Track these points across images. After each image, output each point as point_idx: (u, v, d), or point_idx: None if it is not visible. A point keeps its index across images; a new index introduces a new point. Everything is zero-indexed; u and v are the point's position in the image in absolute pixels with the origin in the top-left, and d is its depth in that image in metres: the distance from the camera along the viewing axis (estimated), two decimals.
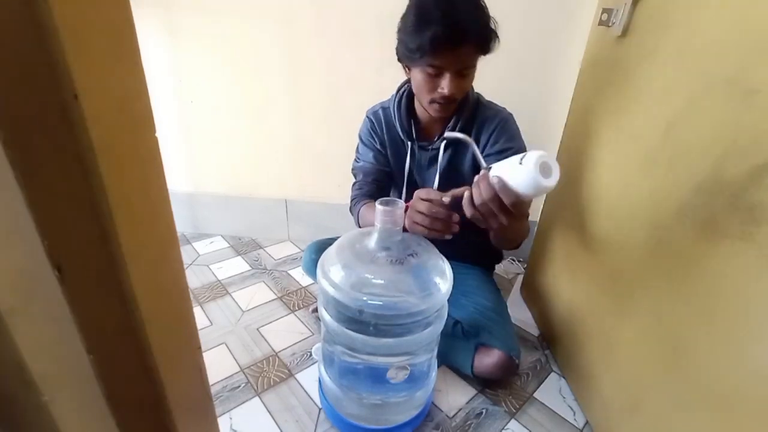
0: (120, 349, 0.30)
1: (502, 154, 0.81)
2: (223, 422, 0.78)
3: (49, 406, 0.26)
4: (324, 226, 1.50)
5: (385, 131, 0.94)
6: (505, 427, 0.79)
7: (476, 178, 0.57)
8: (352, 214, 0.94)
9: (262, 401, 0.83)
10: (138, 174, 0.28)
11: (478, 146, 0.82)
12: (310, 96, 1.30)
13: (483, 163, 0.59)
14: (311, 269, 1.01)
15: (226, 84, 1.32)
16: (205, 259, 1.39)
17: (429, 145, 0.89)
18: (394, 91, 0.92)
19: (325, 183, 1.44)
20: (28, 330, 0.24)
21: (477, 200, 0.56)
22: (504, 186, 0.52)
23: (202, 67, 1.30)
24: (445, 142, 0.86)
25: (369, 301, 0.60)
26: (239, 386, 0.86)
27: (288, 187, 1.47)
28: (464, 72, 0.74)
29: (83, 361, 0.29)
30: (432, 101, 0.78)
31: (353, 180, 0.98)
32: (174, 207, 0.32)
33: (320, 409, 0.81)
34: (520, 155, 0.51)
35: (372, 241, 0.66)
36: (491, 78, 1.20)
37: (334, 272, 0.64)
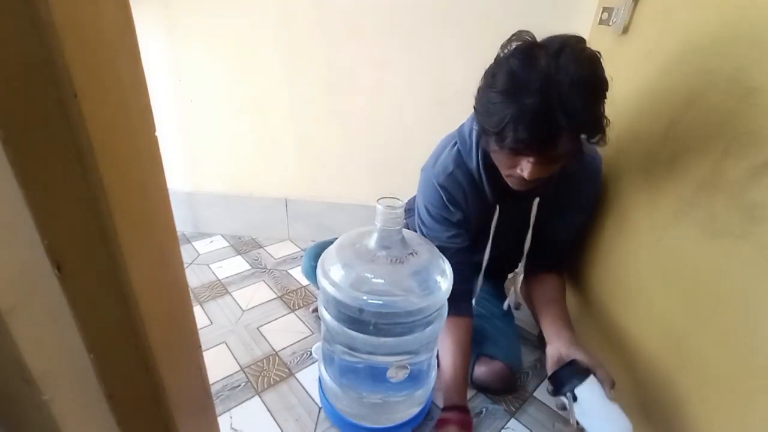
0: (120, 348, 0.30)
1: (581, 214, 0.77)
2: (223, 421, 0.78)
3: (49, 404, 0.26)
4: (324, 225, 1.50)
5: (468, 198, 0.74)
6: (505, 426, 0.79)
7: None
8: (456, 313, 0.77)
9: (262, 400, 0.83)
10: (137, 173, 0.28)
11: (573, 195, 0.74)
12: (310, 94, 1.30)
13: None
14: (311, 275, 1.01)
15: (226, 83, 1.32)
16: (205, 259, 1.39)
17: (518, 203, 0.74)
18: (467, 136, 0.72)
19: (325, 182, 1.44)
20: (28, 328, 0.24)
21: None
22: None
23: (201, 66, 1.30)
24: (539, 199, 0.73)
25: (369, 300, 0.60)
26: (239, 385, 0.86)
27: (288, 186, 1.47)
28: (552, 158, 0.58)
29: (83, 360, 0.29)
30: (509, 176, 0.64)
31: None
32: (174, 206, 0.32)
33: (320, 408, 0.81)
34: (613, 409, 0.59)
35: (372, 241, 0.66)
36: None
37: (334, 271, 0.64)
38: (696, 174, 0.55)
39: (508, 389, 0.86)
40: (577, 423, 0.60)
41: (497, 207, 0.74)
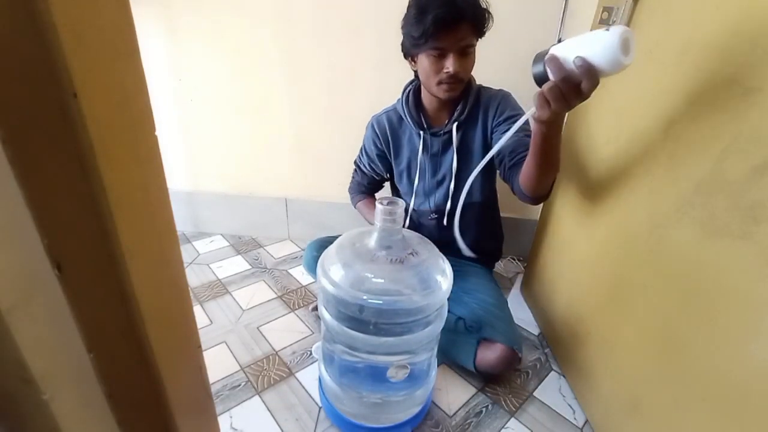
0: (120, 348, 0.30)
1: (509, 121, 0.88)
2: (223, 421, 0.78)
3: (49, 404, 0.26)
4: (324, 224, 1.50)
5: (389, 135, 1.00)
6: (505, 426, 0.80)
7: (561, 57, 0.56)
8: (351, 201, 1.18)
9: (262, 400, 0.83)
10: (137, 172, 0.28)
11: (486, 123, 0.91)
12: (310, 94, 1.30)
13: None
14: (312, 267, 1.02)
15: (225, 82, 1.32)
16: (205, 258, 1.39)
17: (441, 131, 0.94)
18: (400, 94, 0.98)
19: (325, 181, 1.44)
20: (28, 328, 0.24)
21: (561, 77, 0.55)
22: (588, 64, 0.51)
23: (201, 66, 1.30)
24: (456, 124, 0.91)
25: (369, 300, 0.60)
26: (239, 385, 0.86)
27: (288, 185, 1.47)
28: (466, 51, 0.80)
29: (83, 360, 0.29)
30: (440, 83, 0.83)
31: (354, 169, 1.14)
32: (174, 206, 0.32)
33: (320, 408, 0.81)
34: (602, 29, 0.50)
35: (372, 240, 0.66)
36: (492, 77, 1.20)
37: (334, 271, 0.64)
38: (696, 174, 0.55)
39: (512, 370, 0.89)
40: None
41: (421, 133, 0.95)
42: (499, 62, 1.17)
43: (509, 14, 1.11)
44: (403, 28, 0.84)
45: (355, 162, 1.13)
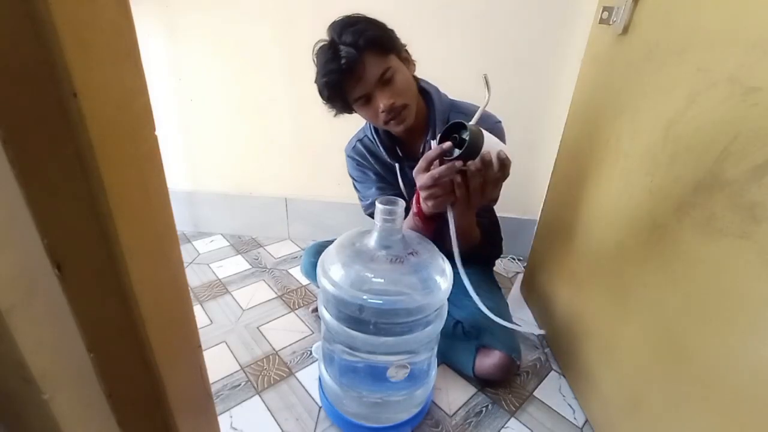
0: (120, 348, 0.30)
1: None
2: (223, 420, 0.78)
3: (49, 403, 0.26)
4: (324, 224, 1.50)
5: (372, 161, 0.93)
6: (505, 426, 0.80)
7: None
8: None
9: (262, 400, 0.83)
10: (138, 172, 0.28)
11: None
12: (310, 94, 1.29)
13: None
14: (310, 272, 1.02)
15: (225, 82, 1.32)
16: (205, 258, 1.39)
17: (415, 163, 0.88)
18: (365, 122, 0.92)
19: (325, 181, 1.44)
20: (28, 328, 0.24)
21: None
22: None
23: (201, 66, 1.30)
24: None
25: (369, 300, 0.60)
26: (239, 385, 0.86)
27: (288, 185, 1.47)
28: (384, 79, 0.74)
29: (83, 359, 0.29)
30: (385, 123, 0.78)
31: (369, 213, 0.96)
32: (174, 205, 0.32)
33: (320, 408, 0.81)
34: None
35: (372, 240, 0.66)
36: (491, 76, 1.20)
37: (334, 270, 0.64)
38: (696, 174, 0.55)
39: (511, 377, 0.88)
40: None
41: (396, 165, 0.90)
42: (503, 67, 1.17)
43: (509, 14, 1.11)
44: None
45: (368, 214, 0.96)
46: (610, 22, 0.79)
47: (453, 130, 0.62)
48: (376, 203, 0.62)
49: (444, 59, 1.17)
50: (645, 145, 0.66)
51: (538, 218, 1.17)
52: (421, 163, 0.64)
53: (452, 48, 1.17)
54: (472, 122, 0.60)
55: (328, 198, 1.45)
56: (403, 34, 1.20)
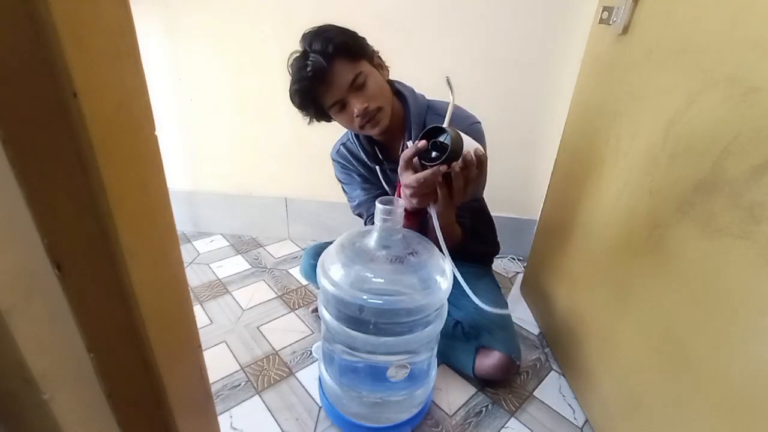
0: (120, 348, 0.30)
1: None
2: (223, 420, 0.78)
3: (49, 404, 0.26)
4: (324, 224, 1.50)
5: (356, 164, 0.95)
6: (505, 426, 0.80)
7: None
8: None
9: (262, 399, 0.83)
10: (137, 172, 0.28)
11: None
12: None
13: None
14: (310, 274, 1.02)
15: (225, 82, 1.32)
16: (205, 258, 1.39)
17: (397, 166, 0.88)
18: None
19: (325, 181, 1.43)
20: (28, 328, 0.24)
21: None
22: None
23: (201, 66, 1.30)
24: None
25: (369, 300, 0.60)
26: (239, 385, 0.86)
27: (288, 185, 1.47)
28: (356, 84, 0.75)
29: (83, 360, 0.29)
30: (361, 127, 0.79)
31: (363, 220, 0.98)
32: (174, 205, 0.32)
33: (320, 408, 0.81)
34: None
35: (372, 240, 0.66)
36: (491, 76, 1.20)
37: (334, 270, 0.64)
38: (696, 174, 0.55)
39: (511, 378, 0.88)
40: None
41: (377, 168, 0.91)
42: (502, 67, 1.17)
43: (509, 14, 1.11)
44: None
45: (356, 214, 0.99)
46: (610, 22, 0.79)
47: (431, 134, 0.63)
48: (376, 203, 0.62)
49: (444, 59, 1.17)
50: (645, 145, 0.66)
51: (538, 218, 1.17)
52: (401, 162, 0.65)
53: (452, 48, 1.17)
54: (445, 124, 0.61)
55: (328, 198, 1.45)
56: (403, 34, 1.21)
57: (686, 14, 0.60)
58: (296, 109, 0.83)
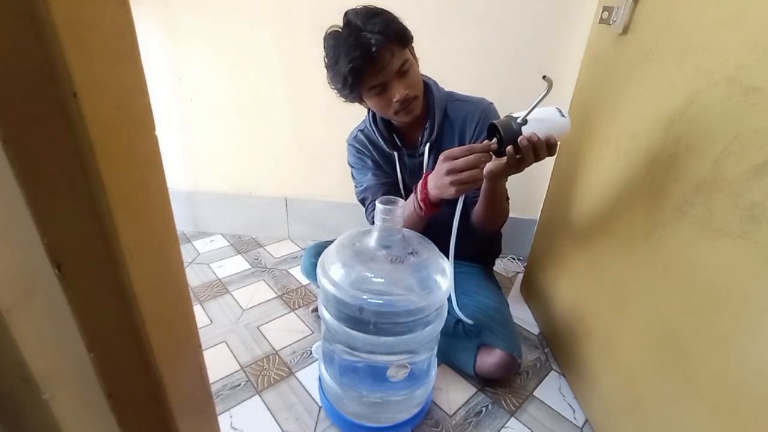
0: (120, 347, 0.30)
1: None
2: (223, 420, 0.78)
3: (49, 403, 0.26)
4: (324, 224, 1.50)
5: (372, 150, 0.95)
6: (505, 426, 0.80)
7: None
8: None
9: (262, 399, 0.83)
10: (137, 172, 0.28)
11: (463, 139, 0.87)
12: (310, 94, 1.30)
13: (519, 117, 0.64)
14: (311, 273, 1.02)
15: (225, 82, 1.32)
16: (205, 258, 1.39)
17: (415, 152, 0.90)
18: (366, 113, 0.93)
19: (325, 181, 1.44)
20: (28, 328, 0.24)
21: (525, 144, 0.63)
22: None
23: (201, 66, 1.30)
24: (429, 145, 0.87)
25: (369, 299, 0.60)
26: (239, 384, 0.86)
27: (288, 185, 1.47)
28: (402, 71, 0.76)
29: (83, 359, 0.29)
30: (395, 113, 0.80)
31: (365, 207, 0.96)
32: (174, 205, 0.32)
33: (320, 408, 0.81)
34: (548, 110, 0.66)
35: (372, 240, 0.66)
36: (491, 76, 1.20)
37: (334, 270, 0.64)
38: (696, 174, 0.55)
39: (512, 376, 0.89)
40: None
41: (396, 154, 0.91)
42: (502, 67, 1.17)
43: (509, 14, 1.11)
44: (330, 83, 0.81)
45: (358, 196, 0.97)
46: (610, 22, 0.79)
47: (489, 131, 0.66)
48: (376, 203, 0.62)
49: (444, 59, 1.17)
50: (645, 144, 0.66)
51: (538, 218, 1.17)
52: (455, 151, 0.65)
53: (452, 48, 1.17)
54: (524, 115, 0.64)
55: (328, 198, 1.45)
56: None
57: (686, 14, 0.60)
58: (332, 88, 0.82)
